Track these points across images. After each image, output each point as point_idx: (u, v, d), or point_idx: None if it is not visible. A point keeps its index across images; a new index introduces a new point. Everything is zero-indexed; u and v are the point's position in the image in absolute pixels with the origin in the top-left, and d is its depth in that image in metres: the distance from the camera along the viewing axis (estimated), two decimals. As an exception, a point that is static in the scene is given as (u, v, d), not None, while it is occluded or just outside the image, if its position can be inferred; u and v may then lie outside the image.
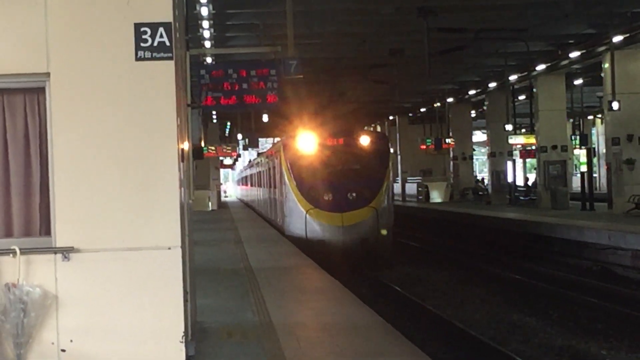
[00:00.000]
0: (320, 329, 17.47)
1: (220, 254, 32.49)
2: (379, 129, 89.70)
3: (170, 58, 12.31)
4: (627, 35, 39.81)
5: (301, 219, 31.33)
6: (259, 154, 71.48)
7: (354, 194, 31.57)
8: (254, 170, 68.26)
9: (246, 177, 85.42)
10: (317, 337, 16.70)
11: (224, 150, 65.51)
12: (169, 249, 12.37)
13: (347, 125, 38.01)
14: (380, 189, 32.45)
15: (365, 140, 33.52)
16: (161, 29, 12.26)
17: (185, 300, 12.66)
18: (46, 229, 12.42)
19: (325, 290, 22.43)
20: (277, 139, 67.75)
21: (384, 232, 33.06)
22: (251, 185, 76.69)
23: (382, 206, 32.13)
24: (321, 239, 30.34)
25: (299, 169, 32.73)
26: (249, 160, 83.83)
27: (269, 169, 42.82)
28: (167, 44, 12.27)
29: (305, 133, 32.94)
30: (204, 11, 33.44)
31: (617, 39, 39.90)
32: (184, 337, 12.39)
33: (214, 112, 53.64)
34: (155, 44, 12.27)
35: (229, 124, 72.61)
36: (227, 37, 42.83)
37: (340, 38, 42.83)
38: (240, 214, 63.26)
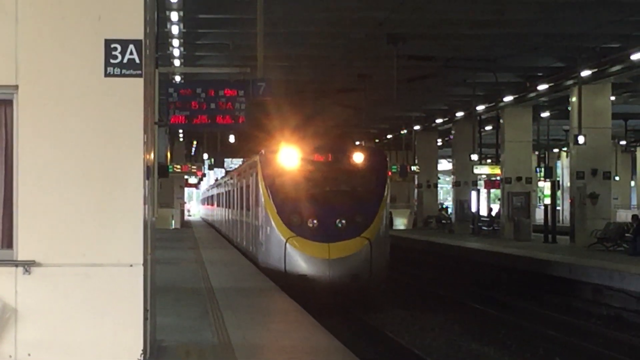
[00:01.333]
0: (278, 351, 17.52)
1: (182, 273, 32.35)
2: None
3: (140, 75, 12.33)
4: (595, 70, 40.59)
5: (279, 248, 26.30)
6: (227, 172, 67.99)
7: (343, 221, 26.22)
8: (222, 189, 62.26)
9: (212, 196, 78.40)
10: (274, 359, 16.87)
11: (191, 169, 65.00)
12: (131, 266, 12.38)
13: (336, 139, 34.04)
14: (375, 215, 26.92)
15: (358, 157, 27.85)
16: (131, 46, 12.28)
17: (145, 318, 12.65)
18: (8, 241, 12.43)
19: (284, 312, 22.56)
20: (241, 161, 67.01)
21: (378, 266, 28.23)
22: (218, 205, 69.82)
23: (378, 236, 26.68)
24: (303, 273, 25.45)
25: (278, 189, 27.41)
26: (215, 178, 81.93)
27: (242, 187, 37.28)
28: (137, 61, 12.29)
29: (288, 147, 27.76)
30: (175, 29, 33.56)
31: (585, 73, 40.70)
32: (142, 355, 12.41)
33: (180, 131, 53.12)
34: (125, 60, 12.31)
35: (195, 143, 72.43)
36: (197, 56, 43.38)
37: (309, 61, 42.98)
38: (204, 233, 63.04)
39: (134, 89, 12.38)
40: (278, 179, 27.57)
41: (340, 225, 26.23)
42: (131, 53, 12.33)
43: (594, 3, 33.86)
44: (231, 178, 49.94)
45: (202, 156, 72.82)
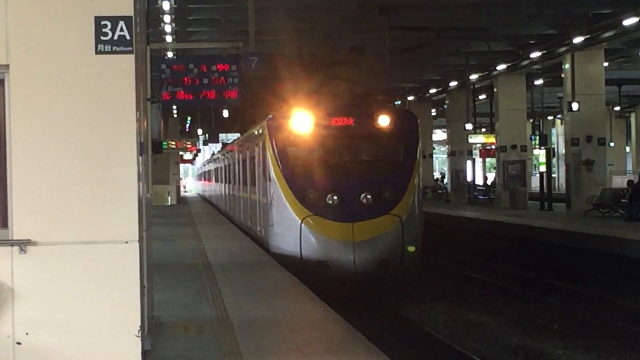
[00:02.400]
0: (277, 324, 17.45)
1: (179, 249, 32.14)
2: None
3: (131, 52, 12.36)
4: (588, 36, 41.10)
5: (294, 230, 21.66)
6: (224, 145, 66.19)
7: (369, 197, 21.54)
8: (222, 163, 57.01)
9: (210, 171, 75.11)
10: (273, 332, 16.70)
11: (185, 145, 65.13)
12: (127, 242, 12.40)
13: (358, 99, 26.93)
14: (406, 188, 22.16)
15: (385, 120, 22.83)
16: (122, 23, 12.27)
17: (142, 295, 12.69)
18: (3, 221, 12.46)
19: (282, 286, 22.17)
20: (236, 135, 64.17)
21: (411, 249, 23.15)
22: (217, 181, 64.93)
23: (410, 214, 22.07)
24: (322, 259, 20.97)
25: (291, 160, 22.71)
26: (212, 153, 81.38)
27: (245, 160, 32.02)
28: (128, 37, 12.31)
29: (301, 111, 22.91)
30: (166, 5, 33.33)
31: (577, 40, 41.16)
32: (140, 332, 12.38)
33: (174, 107, 53.12)
34: (116, 37, 12.31)
35: (189, 118, 72.75)
36: (189, 32, 43.73)
37: (301, 34, 42.68)
38: (200, 210, 63.71)
39: (125, 65, 12.42)
40: (290, 149, 23.16)
41: (365, 201, 21.83)
42: (122, 30, 12.35)
43: None
44: (231, 150, 45.16)
45: (196, 132, 73.11)
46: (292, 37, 42.83)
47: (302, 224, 21.33)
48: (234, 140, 52.05)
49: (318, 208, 21.59)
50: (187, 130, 76.69)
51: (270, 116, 24.14)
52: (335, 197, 21.67)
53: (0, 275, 12.26)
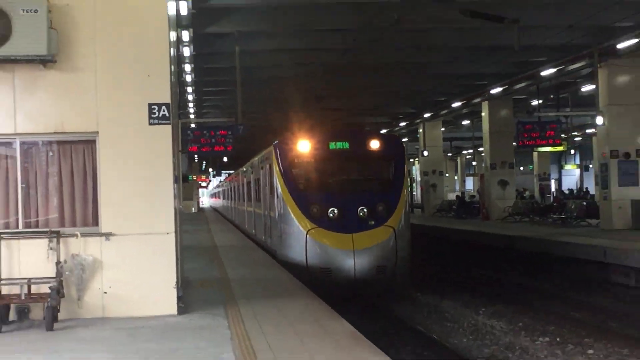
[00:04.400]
0: (255, 281, 17.51)
1: (198, 238, 31.72)
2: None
3: (169, 123, 12.71)
4: (432, 113, 47.40)
5: (300, 240, 18.65)
6: (228, 175, 63.93)
7: (365, 210, 18.56)
8: (226, 187, 52.77)
9: (218, 192, 71.04)
10: (252, 284, 16.80)
11: (201, 177, 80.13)
12: (168, 233, 12.70)
13: (353, 127, 24.02)
14: (397, 202, 19.14)
15: (377, 145, 20.13)
16: (164, 107, 12.60)
17: (177, 264, 12.97)
18: (95, 221, 12.75)
19: (263, 262, 21.70)
20: (229, 172, 63.81)
21: (402, 255, 19.65)
22: (223, 198, 60.89)
23: (401, 225, 19.07)
24: (326, 266, 18.08)
25: (297, 180, 19.66)
26: (218, 181, 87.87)
27: (253, 180, 27.82)
28: (167, 115, 12.66)
29: (304, 137, 20.17)
30: (190, 97, 34.60)
31: (426, 115, 48.03)
32: (175, 285, 12.73)
33: (195, 156, 53.84)
34: (160, 115, 12.60)
35: (204, 162, 76.07)
36: (203, 112, 44.40)
37: (272, 107, 41.36)
38: (212, 216, 63.40)
39: (166, 131, 12.69)
40: (294, 169, 19.83)
41: (362, 214, 18.55)
42: (164, 110, 12.58)
43: (427, 77, 36.49)
44: (236, 176, 40.11)
45: (208, 170, 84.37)
46: (265, 114, 42.92)
47: (308, 235, 18.18)
48: (238, 169, 46.10)
49: (321, 221, 18.46)
50: (203, 169, 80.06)
51: (276, 142, 20.85)
52: (335, 211, 18.47)
53: (94, 254, 12.51)
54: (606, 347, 14.84)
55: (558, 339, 15.61)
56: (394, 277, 18.62)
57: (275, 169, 20.09)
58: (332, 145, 19.85)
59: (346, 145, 20.01)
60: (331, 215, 18.48)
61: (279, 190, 19.73)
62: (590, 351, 14.55)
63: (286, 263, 19.30)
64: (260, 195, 25.03)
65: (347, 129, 22.10)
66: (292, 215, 18.83)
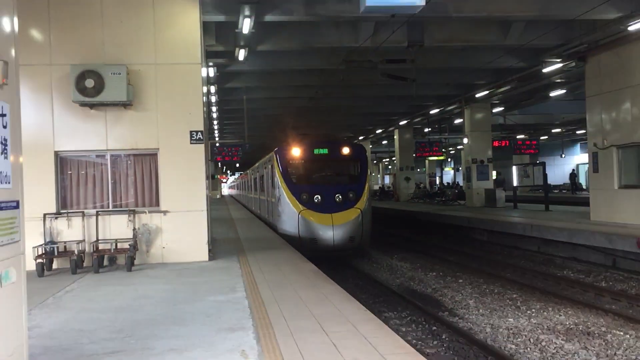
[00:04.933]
0: (258, 238, 17.43)
1: (220, 214, 31.14)
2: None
3: (202, 143, 12.58)
4: (363, 137, 44.51)
5: (294, 219, 17.58)
6: (240, 174, 62.03)
7: (340, 197, 17.54)
8: (242, 180, 47.51)
9: (235, 185, 66.10)
10: (254, 240, 16.59)
11: (222, 176, 74.87)
12: (202, 210, 12.54)
13: (330, 138, 21.72)
14: (363, 191, 17.98)
15: (346, 150, 18.89)
16: (200, 132, 12.48)
17: (209, 229, 12.99)
18: (157, 204, 12.60)
19: (261, 226, 21.34)
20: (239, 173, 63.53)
21: (366, 229, 18.33)
22: (238, 189, 55.08)
23: (365, 207, 17.86)
24: (313, 237, 17.13)
25: (291, 175, 18.42)
26: (233, 178, 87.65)
27: (261, 176, 25.10)
28: (201, 138, 12.52)
29: (296, 144, 19.06)
30: (215, 126, 33.53)
31: (360, 138, 44.30)
32: (207, 242, 12.68)
33: (219, 163, 53.11)
34: (197, 137, 12.44)
35: (225, 167, 74.86)
36: (224, 135, 42.81)
37: (268, 131, 40.13)
38: (230, 201, 60.17)
39: (201, 148, 12.52)
40: (290, 168, 18.41)
41: (338, 199, 17.41)
42: (199, 135, 12.42)
43: (360, 115, 31.04)
44: (252, 171, 34.64)
45: (227, 171, 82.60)
46: (263, 136, 41.65)
47: (300, 215, 16.99)
48: (247, 169, 43.03)
49: (309, 204, 17.21)
50: (224, 171, 79.22)
51: (276, 148, 19.33)
52: (319, 197, 17.28)
53: (157, 223, 12.42)
54: (470, 278, 15.00)
55: (441, 274, 15.73)
56: (360, 244, 17.45)
57: (276, 167, 18.72)
58: (316, 151, 18.65)
59: (326, 150, 18.76)
60: (316, 200, 17.31)
61: (279, 182, 18.31)
62: (460, 280, 14.71)
63: (284, 235, 17.95)
64: (264, 186, 23.29)
65: (326, 139, 20.14)
66: (289, 200, 17.57)
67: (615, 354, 8.51)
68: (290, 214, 17.58)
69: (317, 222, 17.06)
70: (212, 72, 19.68)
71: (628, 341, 9.14)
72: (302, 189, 17.73)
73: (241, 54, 17.89)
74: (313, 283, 9.62)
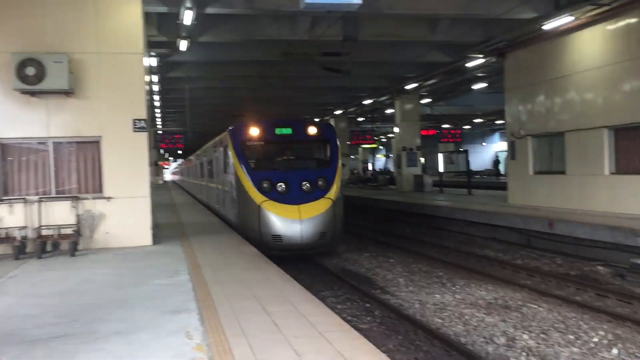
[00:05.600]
0: (200, 223, 17.07)
1: (163, 199, 30.21)
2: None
3: (145, 130, 12.34)
4: (343, 110, 39.44)
5: (253, 211, 13.75)
6: (183, 160, 55.73)
7: (308, 185, 13.81)
8: (187, 166, 42.65)
9: (181, 170, 54.51)
10: (196, 225, 16.21)
11: (165, 162, 71.33)
12: (145, 196, 12.37)
13: (293, 116, 17.16)
14: (334, 178, 14.23)
15: (313, 130, 14.95)
16: (143, 121, 12.23)
17: (152, 214, 12.64)
18: (101, 190, 12.25)
19: (203, 211, 20.98)
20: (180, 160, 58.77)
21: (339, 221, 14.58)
22: (184, 175, 47.53)
23: (338, 197, 14.13)
24: (277, 233, 13.33)
25: (249, 159, 14.49)
26: (178, 162, 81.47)
27: (210, 160, 20.96)
28: (145, 126, 12.30)
29: (254, 123, 15.06)
30: (158, 114, 32.12)
31: (337, 112, 39.34)
32: (151, 227, 12.53)
33: (162, 150, 51.69)
34: (140, 126, 12.20)
35: (167, 154, 72.77)
36: (166, 123, 41.54)
37: (210, 119, 39.68)
38: (173, 187, 58.18)
39: (144, 136, 12.32)
40: (248, 150, 14.53)
41: (306, 188, 13.56)
42: (143, 123, 12.18)
43: (296, 105, 31.95)
44: (197, 155, 29.43)
45: (170, 157, 77.82)
46: (205, 123, 40.78)
47: (260, 207, 13.24)
48: (191, 155, 38.23)
49: (271, 194, 13.46)
50: (167, 157, 77.03)
51: (231, 127, 15.57)
52: (283, 186, 13.49)
53: (101, 209, 12.10)
54: (400, 257, 15.19)
55: (374, 254, 15.82)
56: (332, 241, 13.86)
57: (231, 150, 14.98)
58: (278, 131, 14.83)
59: (290, 130, 14.89)
60: (280, 189, 13.62)
61: (234, 168, 14.62)
62: (392, 260, 14.88)
63: (242, 231, 14.32)
64: (215, 172, 19.17)
65: (290, 118, 16.35)
66: (247, 190, 13.87)
67: (530, 325, 8.80)
68: (249, 206, 13.89)
69: (281, 215, 13.32)
70: (154, 61, 19.26)
71: (541, 313, 9.46)
72: (262, 176, 13.99)
73: (183, 45, 17.60)
74: (254, 265, 9.55)
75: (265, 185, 13.78)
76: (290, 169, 14.31)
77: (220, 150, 17.68)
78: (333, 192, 13.93)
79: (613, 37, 15.50)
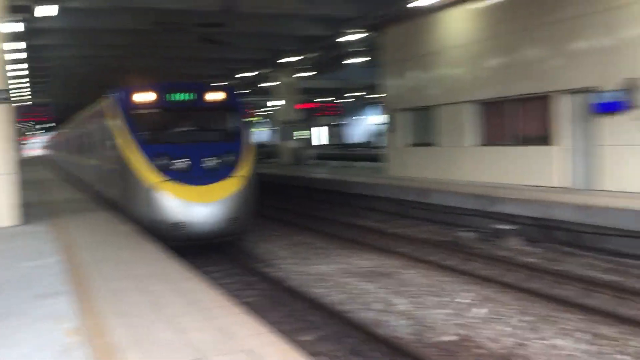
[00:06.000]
0: (73, 200, 16.29)
1: (33, 175, 28.68)
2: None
3: (7, 102, 11.10)
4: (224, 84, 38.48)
5: (148, 195, 10.54)
6: (54, 133, 45.00)
7: (215, 162, 10.93)
8: (57, 139, 35.58)
9: (53, 144, 41.73)
10: (71, 202, 15.47)
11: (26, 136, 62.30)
12: (9, 173, 11.47)
13: (190, 81, 14.92)
14: (245, 152, 11.39)
15: (218, 96, 11.82)
16: (3, 91, 10.97)
17: (19, 193, 11.97)
18: None
19: (75, 189, 19.71)
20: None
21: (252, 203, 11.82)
22: (54, 149, 39.37)
23: (250, 173, 11.27)
24: (179, 220, 10.37)
25: (139, 131, 11.23)
26: (49, 135, 61.34)
27: (90, 132, 16.54)
28: (6, 97, 11.04)
29: (144, 88, 11.74)
30: (27, 83, 29.75)
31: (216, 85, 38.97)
32: (17, 205, 11.74)
33: (29, 122, 46.91)
34: (1, 97, 11.08)
35: (37, 126, 66.05)
36: (36, 92, 36.47)
37: (79, 89, 35.89)
38: (46, 163, 49.05)
39: (4, 108, 11.27)
40: (139, 120, 11.52)
41: (212, 165, 11.00)
42: (2, 94, 11.12)
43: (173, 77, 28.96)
44: (63, 131, 26.29)
45: (41, 129, 65.96)
46: (74, 94, 37.40)
47: (156, 188, 10.59)
48: (64, 126, 31.19)
49: (171, 173, 10.79)
50: (36, 129, 70.03)
51: (115, 93, 12.67)
52: (185, 163, 10.87)
53: None
54: (283, 231, 15.23)
55: (257, 228, 15.28)
56: (245, 225, 11.41)
57: (117, 120, 11.99)
58: (173, 97, 11.96)
59: (187, 96, 12.02)
60: (180, 167, 10.98)
61: (120, 142, 11.73)
62: (276, 233, 14.82)
63: (136, 218, 11.38)
64: (96, 147, 15.46)
65: (186, 82, 14.03)
66: (136, 167, 11.09)
67: (407, 290, 9.27)
68: (140, 188, 11.11)
69: (183, 198, 10.74)
70: (20, 27, 18.03)
71: (417, 279, 10.01)
72: (157, 151, 11.24)
73: (46, 10, 16.43)
74: (133, 244, 9.33)
75: (161, 162, 11.14)
76: (191, 142, 11.62)
77: (100, 121, 14.62)
78: (245, 168, 11.56)
79: (477, 16, 16.37)
